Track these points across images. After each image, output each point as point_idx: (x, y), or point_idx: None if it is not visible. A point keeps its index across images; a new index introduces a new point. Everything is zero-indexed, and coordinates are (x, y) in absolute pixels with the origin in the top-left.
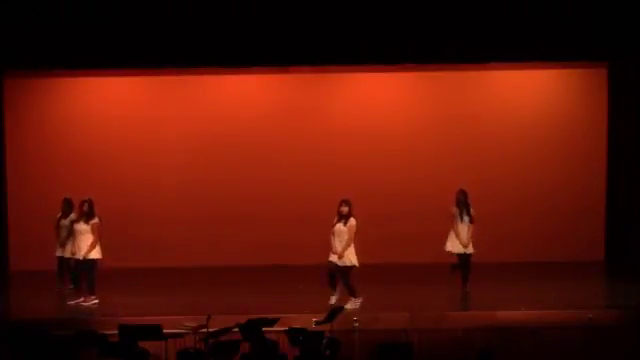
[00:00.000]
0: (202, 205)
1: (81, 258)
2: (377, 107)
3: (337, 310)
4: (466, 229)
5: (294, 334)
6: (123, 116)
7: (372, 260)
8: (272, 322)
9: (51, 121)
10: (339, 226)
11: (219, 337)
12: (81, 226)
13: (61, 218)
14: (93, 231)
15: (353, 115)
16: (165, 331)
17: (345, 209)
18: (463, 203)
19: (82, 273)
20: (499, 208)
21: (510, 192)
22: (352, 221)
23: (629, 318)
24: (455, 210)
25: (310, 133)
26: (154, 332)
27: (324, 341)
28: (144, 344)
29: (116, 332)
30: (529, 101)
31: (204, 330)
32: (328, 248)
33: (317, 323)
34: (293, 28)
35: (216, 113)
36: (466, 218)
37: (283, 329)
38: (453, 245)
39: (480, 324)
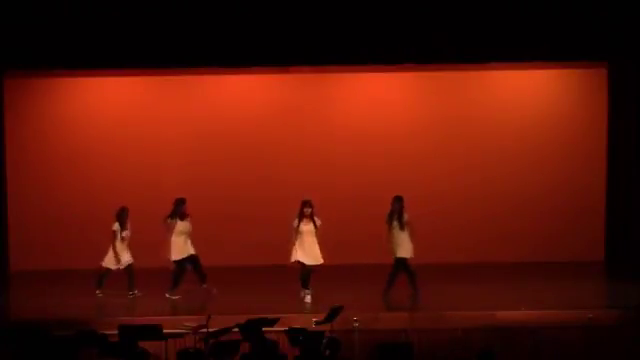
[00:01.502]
0: (202, 205)
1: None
2: (377, 107)
3: (337, 310)
4: (399, 235)
5: (294, 334)
6: (123, 116)
7: (372, 260)
8: (272, 322)
9: (51, 121)
10: (309, 227)
11: (219, 337)
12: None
13: (123, 229)
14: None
15: (353, 115)
16: (165, 331)
17: (309, 210)
18: (395, 210)
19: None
20: (499, 208)
21: (510, 192)
22: (319, 221)
23: (629, 318)
24: (387, 218)
25: (310, 133)
26: (154, 332)
27: (324, 341)
28: (144, 344)
29: (116, 332)
30: (529, 101)
31: (204, 330)
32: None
33: (317, 323)
34: (293, 28)
35: (216, 113)
36: (396, 224)
37: (283, 329)
38: (395, 251)
39: (480, 324)
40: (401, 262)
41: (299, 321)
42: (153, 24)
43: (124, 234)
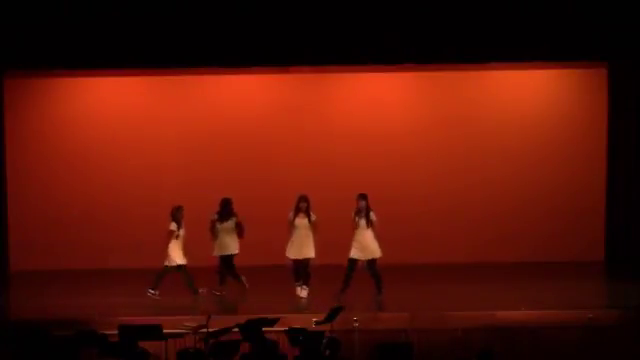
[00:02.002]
0: (202, 205)
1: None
2: (377, 107)
3: (337, 310)
4: (366, 234)
5: (294, 334)
6: (123, 116)
7: None
8: (272, 322)
9: (51, 121)
10: (304, 222)
11: (219, 337)
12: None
13: (179, 228)
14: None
15: (353, 115)
16: (165, 331)
17: (304, 205)
18: (362, 208)
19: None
20: (499, 208)
21: (510, 192)
22: (314, 216)
23: (629, 318)
24: (353, 216)
25: (310, 133)
26: (154, 332)
27: (324, 341)
28: (144, 344)
29: (116, 332)
30: (529, 101)
31: (204, 330)
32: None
33: (317, 323)
34: (293, 28)
35: (216, 113)
36: (362, 222)
37: (283, 329)
38: (355, 252)
39: (480, 324)
40: (373, 262)
41: (299, 321)
42: (153, 24)
43: (180, 232)
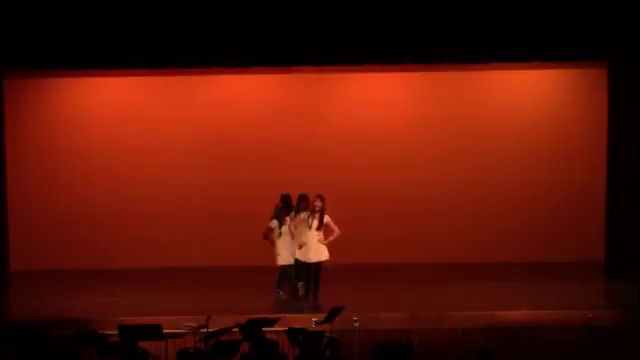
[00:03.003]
0: (202, 205)
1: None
2: (377, 107)
3: (337, 310)
4: (314, 236)
5: (294, 334)
6: (123, 116)
7: (373, 260)
8: (272, 322)
9: (51, 121)
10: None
11: (219, 337)
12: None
13: (281, 225)
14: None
15: (353, 115)
16: (165, 331)
17: (304, 203)
18: (317, 209)
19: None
20: (499, 208)
21: (510, 192)
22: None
23: (629, 318)
24: (306, 216)
25: (310, 133)
26: (154, 332)
27: (324, 341)
28: (144, 344)
29: (116, 332)
30: (529, 101)
31: (204, 330)
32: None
33: (317, 323)
34: (293, 28)
35: (216, 113)
36: (314, 224)
37: (283, 329)
38: (299, 254)
39: (480, 324)
40: (319, 266)
41: (299, 321)
42: (153, 24)
43: (283, 230)
